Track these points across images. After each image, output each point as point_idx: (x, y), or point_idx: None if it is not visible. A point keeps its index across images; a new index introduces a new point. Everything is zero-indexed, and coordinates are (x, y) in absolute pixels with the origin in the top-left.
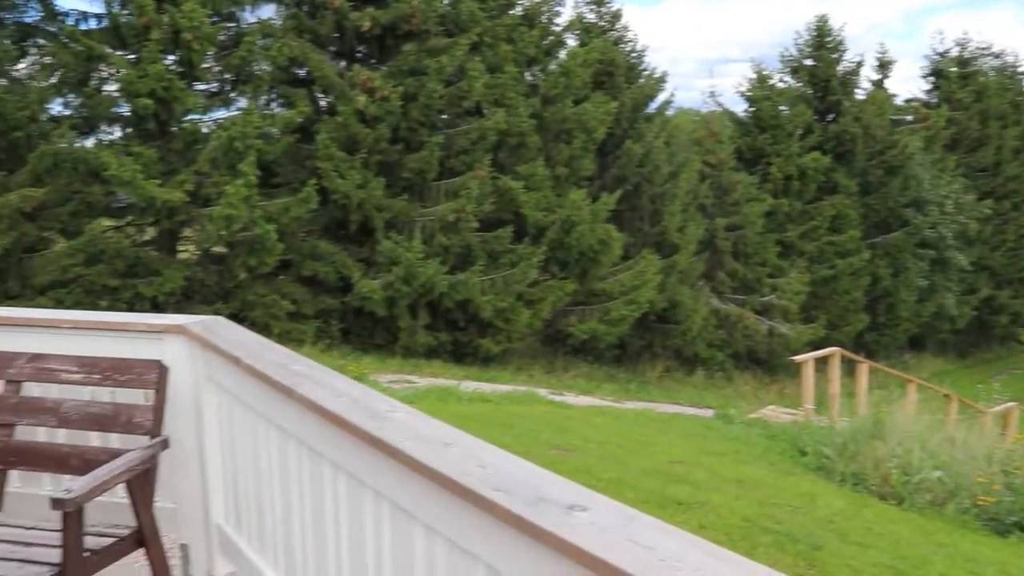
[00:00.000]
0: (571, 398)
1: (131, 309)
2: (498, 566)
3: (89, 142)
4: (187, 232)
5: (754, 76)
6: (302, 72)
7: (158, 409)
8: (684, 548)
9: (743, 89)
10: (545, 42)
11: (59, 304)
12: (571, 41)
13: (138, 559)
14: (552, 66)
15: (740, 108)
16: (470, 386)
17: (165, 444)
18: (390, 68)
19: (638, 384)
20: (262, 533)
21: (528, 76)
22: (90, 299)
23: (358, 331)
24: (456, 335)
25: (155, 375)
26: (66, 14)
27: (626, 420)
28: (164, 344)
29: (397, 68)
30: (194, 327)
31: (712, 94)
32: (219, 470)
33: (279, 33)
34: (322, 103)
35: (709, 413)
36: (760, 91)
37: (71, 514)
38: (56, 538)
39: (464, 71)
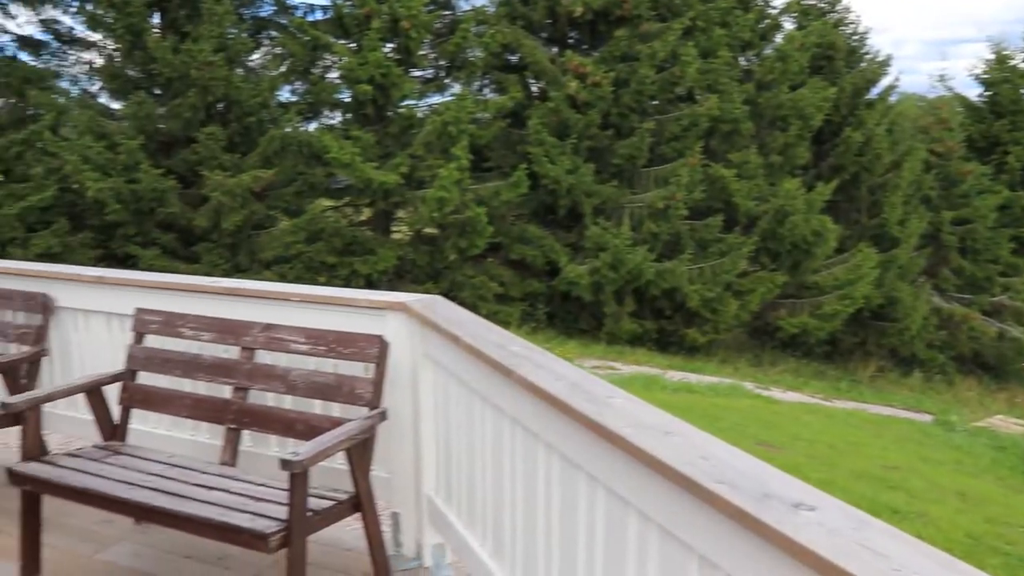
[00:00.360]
0: (778, 393)
1: (347, 285)
2: (715, 559)
3: (312, 126)
4: (401, 213)
5: (992, 56)
6: (514, 58)
7: (378, 382)
8: (922, 559)
9: (978, 71)
10: (761, 25)
11: (282, 278)
12: (788, 24)
13: (353, 523)
14: (768, 50)
15: (974, 92)
16: (674, 376)
17: (383, 416)
18: (602, 54)
19: (849, 383)
20: (471, 508)
21: (742, 61)
22: (310, 274)
23: (563, 315)
24: (661, 323)
25: (376, 349)
26: (295, 7)
27: (836, 420)
28: (385, 320)
29: (609, 54)
30: (415, 305)
31: (941, 78)
32: (432, 444)
33: (493, 20)
34: (534, 89)
35: (927, 418)
36: (999, 73)
37: (298, 475)
38: (282, 496)
39: (676, 56)
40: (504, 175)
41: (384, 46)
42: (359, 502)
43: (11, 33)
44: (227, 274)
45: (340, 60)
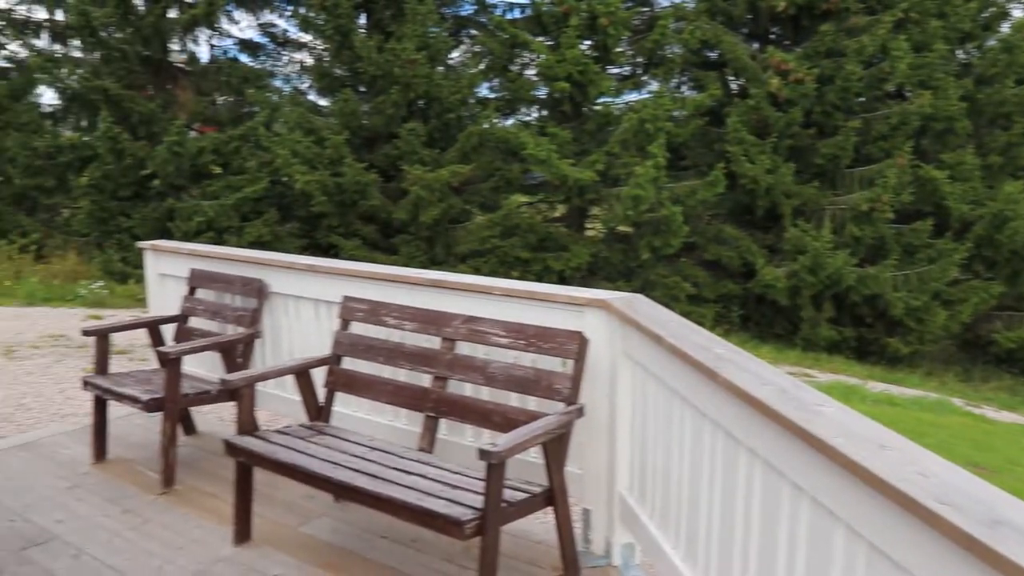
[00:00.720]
0: (990, 412)
1: (539, 281)
2: None
3: (510, 123)
4: (595, 211)
5: None
6: (713, 55)
7: (576, 378)
8: None
9: None
10: (984, 15)
11: (476, 271)
12: (1017, 12)
13: (544, 517)
14: (991, 42)
15: None
16: (876, 386)
17: (580, 412)
18: (805, 49)
19: None
20: (665, 509)
21: (960, 54)
22: (503, 269)
23: (758, 319)
24: (861, 331)
25: (576, 345)
26: (495, 5)
27: None
28: (585, 317)
29: (813, 49)
30: (616, 302)
31: None
32: (627, 442)
33: (692, 16)
34: (733, 86)
35: None
36: None
37: (495, 466)
38: (478, 485)
39: (886, 51)
40: (701, 174)
41: (582, 43)
42: (552, 496)
43: (234, 37)
44: (423, 266)
45: (538, 57)
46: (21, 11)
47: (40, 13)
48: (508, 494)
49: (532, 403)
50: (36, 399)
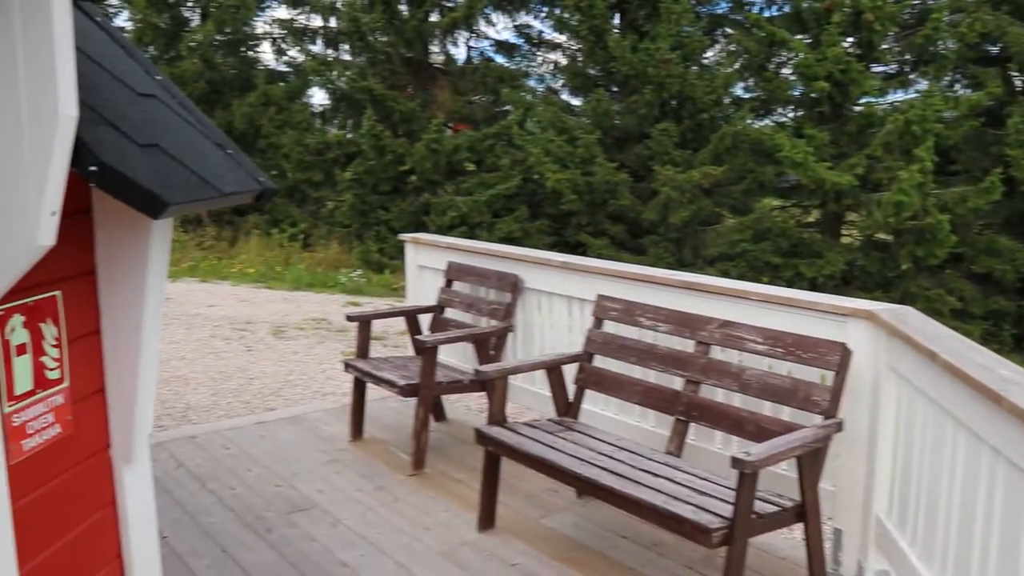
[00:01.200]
0: None
1: (789, 287)
2: None
3: (764, 124)
4: (852, 216)
5: None
6: (995, 48)
7: (836, 391)
8: None
9: None
10: None
11: (724, 275)
12: None
13: (789, 533)
14: None
15: None
16: None
17: (839, 427)
18: None
19: None
20: (929, 540)
21: None
22: (752, 274)
23: None
24: None
25: (838, 357)
26: (752, 3)
27: None
28: (847, 327)
29: None
30: (882, 314)
31: None
32: (888, 462)
33: (970, 8)
34: (1017, 83)
35: None
36: None
37: (748, 475)
38: (727, 493)
39: None
40: (973, 179)
41: (844, 41)
42: (804, 512)
43: (490, 38)
44: (671, 267)
45: (796, 56)
46: (300, 20)
47: (316, 21)
48: (758, 505)
49: (786, 413)
50: (301, 377)
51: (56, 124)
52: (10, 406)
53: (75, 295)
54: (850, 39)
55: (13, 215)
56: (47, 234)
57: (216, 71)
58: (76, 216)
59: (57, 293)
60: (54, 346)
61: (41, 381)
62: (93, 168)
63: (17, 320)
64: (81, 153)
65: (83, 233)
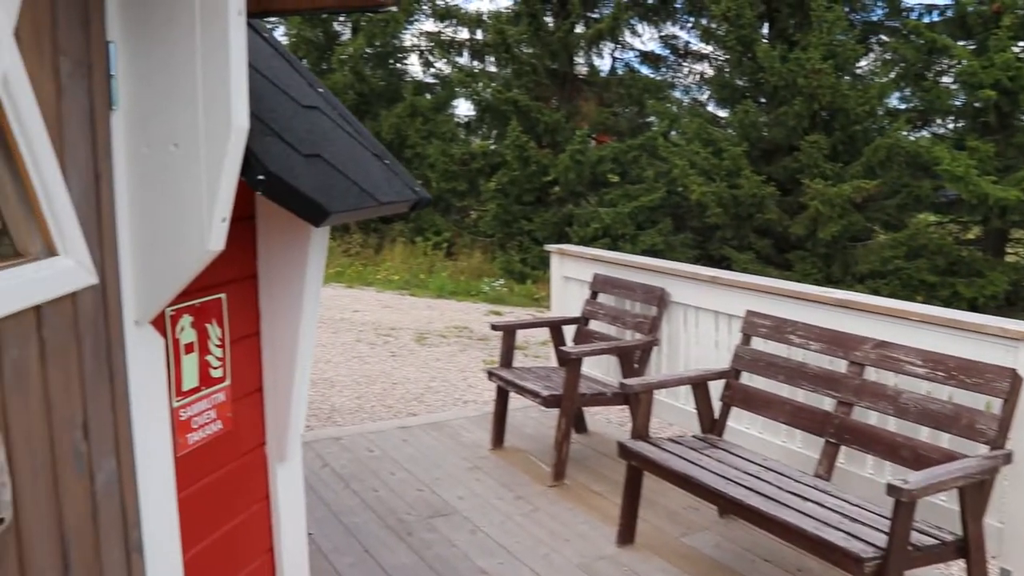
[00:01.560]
0: None
1: (946, 307)
2: None
3: (921, 135)
4: (1018, 234)
5: None
6: None
7: (1005, 420)
8: None
9: None
10: None
11: (875, 293)
12: None
13: (946, 569)
14: None
15: None
16: None
17: (1008, 458)
18: None
19: None
20: None
21: None
22: (905, 292)
23: None
24: None
25: (1008, 383)
26: (911, 9)
27: None
28: (1019, 353)
29: None
30: None
31: None
32: None
33: None
34: None
35: None
36: None
37: (905, 504)
38: (880, 522)
39: None
40: None
41: (1014, 46)
42: (966, 547)
43: (636, 50)
44: (818, 284)
45: (958, 63)
46: (447, 32)
47: (463, 33)
48: (915, 537)
49: (944, 440)
50: (442, 383)
51: (229, 134)
52: (178, 401)
53: (238, 298)
54: (1021, 44)
55: (188, 221)
56: (218, 239)
57: (365, 83)
58: (241, 222)
59: (222, 296)
60: (218, 346)
61: (206, 379)
62: (261, 177)
63: (186, 320)
64: (250, 162)
65: (247, 238)
